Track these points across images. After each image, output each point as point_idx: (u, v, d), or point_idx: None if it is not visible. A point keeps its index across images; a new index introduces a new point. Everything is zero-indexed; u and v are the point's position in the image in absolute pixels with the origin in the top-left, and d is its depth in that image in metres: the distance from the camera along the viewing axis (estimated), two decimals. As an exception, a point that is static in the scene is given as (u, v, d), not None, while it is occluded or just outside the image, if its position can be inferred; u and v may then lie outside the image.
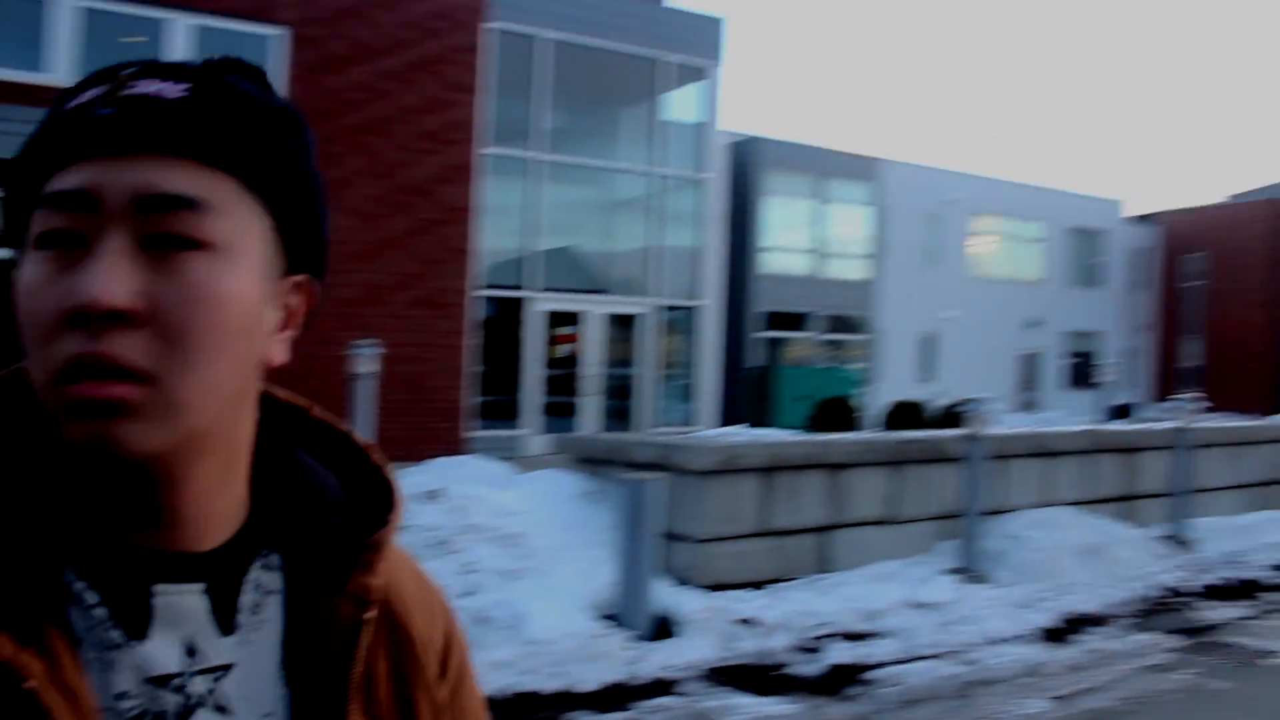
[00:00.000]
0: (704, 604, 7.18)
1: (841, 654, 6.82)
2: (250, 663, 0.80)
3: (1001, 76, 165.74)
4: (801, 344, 29.52)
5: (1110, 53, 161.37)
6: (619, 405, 19.84)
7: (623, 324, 19.94)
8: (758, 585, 7.97)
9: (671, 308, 20.44)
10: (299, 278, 0.82)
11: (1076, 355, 37.43)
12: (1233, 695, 6.60)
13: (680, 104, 20.88)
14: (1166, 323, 39.80)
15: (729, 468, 8.26)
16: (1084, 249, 38.24)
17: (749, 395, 24.12)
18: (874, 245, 30.99)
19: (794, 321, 29.30)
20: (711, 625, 6.88)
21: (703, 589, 7.63)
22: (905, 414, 21.51)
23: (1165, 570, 9.71)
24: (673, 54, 20.65)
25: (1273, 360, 36.96)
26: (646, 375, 19.92)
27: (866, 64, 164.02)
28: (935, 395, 27.37)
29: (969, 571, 8.61)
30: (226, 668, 0.79)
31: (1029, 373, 35.91)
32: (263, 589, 0.83)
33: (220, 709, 0.78)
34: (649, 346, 19.92)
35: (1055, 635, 7.78)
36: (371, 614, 0.84)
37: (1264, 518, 12.15)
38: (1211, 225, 39.27)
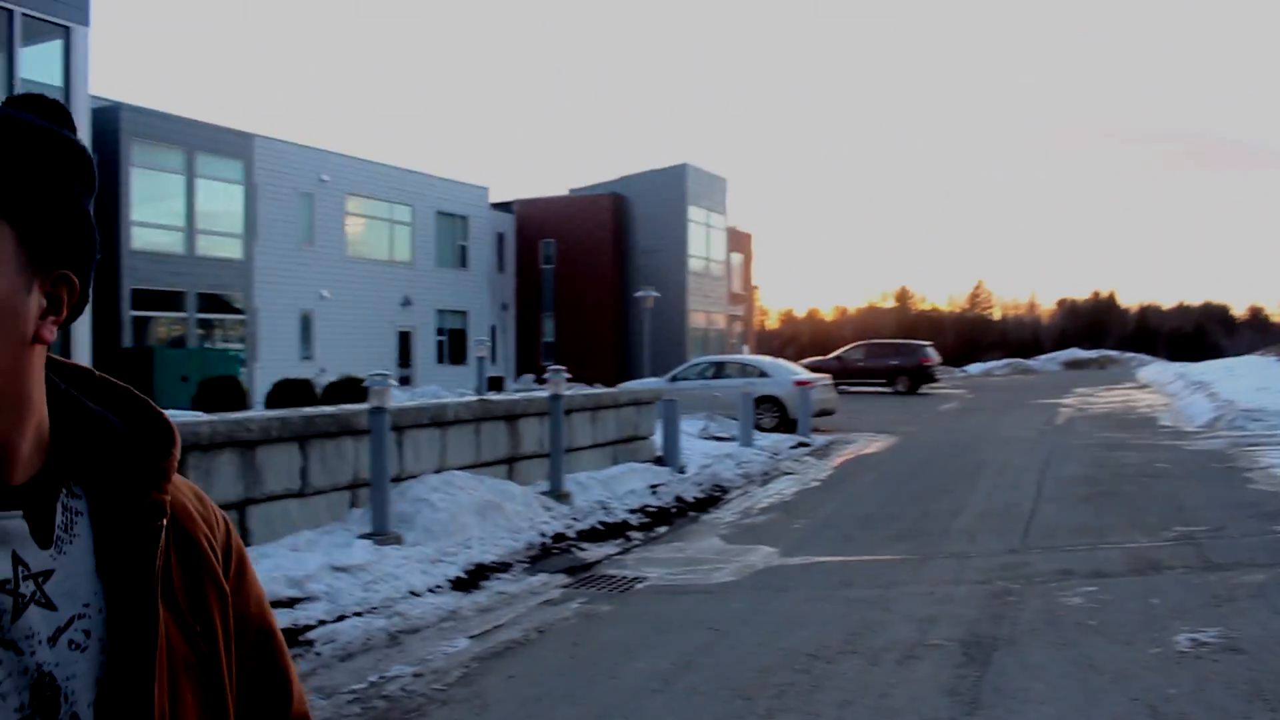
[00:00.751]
0: (127, 588, 7.01)
1: (276, 620, 7.01)
2: (66, 567, 1.04)
3: (375, 60, 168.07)
4: (176, 323, 28.35)
5: (457, 44, 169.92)
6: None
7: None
8: (179, 565, 7.88)
9: (33, 286, 18.72)
10: (59, 273, 1.03)
11: (446, 332, 39.58)
12: (615, 614, 7.73)
13: (39, 62, 19.12)
14: (526, 302, 43.29)
15: (139, 450, 8.03)
16: (452, 232, 40.44)
17: (127, 377, 22.65)
18: (248, 223, 30.44)
19: (167, 300, 28.04)
20: (138, 608, 6.74)
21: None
22: (292, 391, 21.55)
23: (550, 520, 10.92)
24: (28, 6, 18.85)
25: (616, 335, 41.66)
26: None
27: (236, 33, 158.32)
28: (317, 373, 27.65)
29: (382, 534, 9.11)
30: (49, 573, 1.03)
31: (405, 349, 37.36)
32: (71, 510, 1.07)
33: (46, 604, 1.02)
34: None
35: (465, 584, 8.53)
36: (164, 522, 1.10)
37: (621, 469, 13.99)
38: (560, 214, 43.28)
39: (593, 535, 10.88)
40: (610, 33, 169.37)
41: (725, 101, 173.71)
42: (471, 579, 8.69)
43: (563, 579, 8.98)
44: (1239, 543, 9.57)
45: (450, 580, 8.53)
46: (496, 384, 32.73)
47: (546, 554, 9.88)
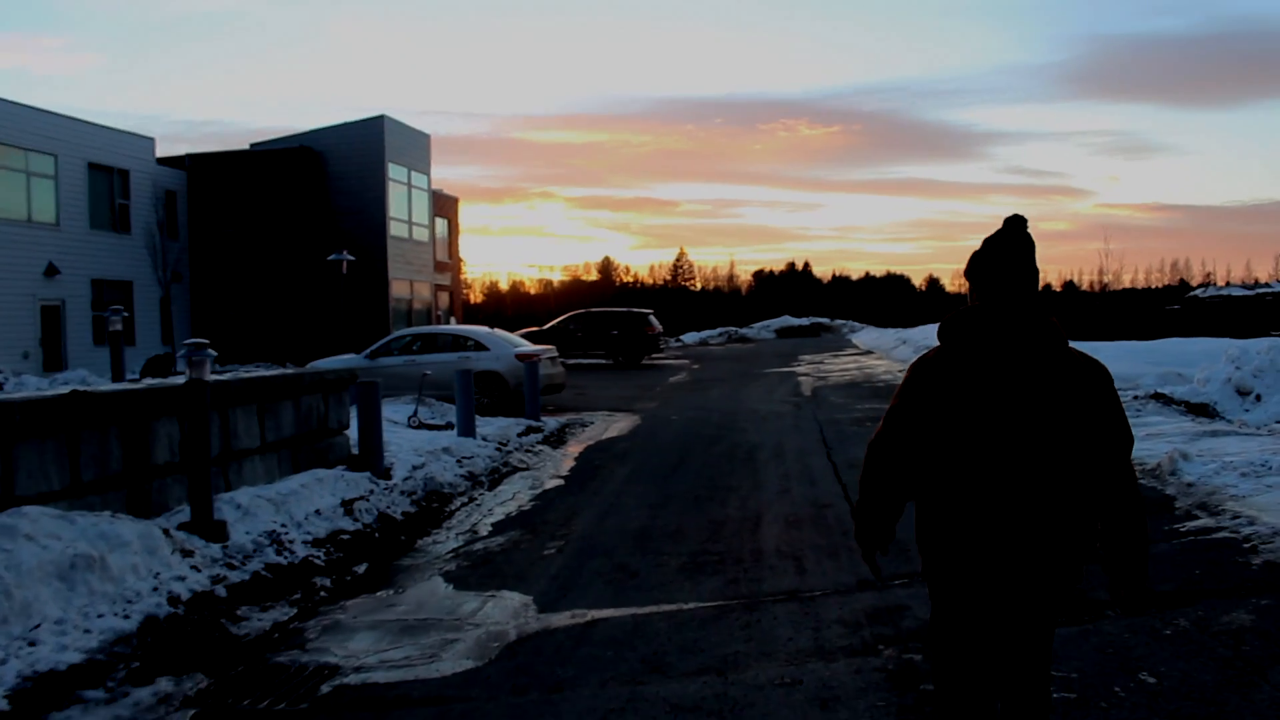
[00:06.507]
0: None
1: None
2: None
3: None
4: None
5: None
6: None
7: None
8: None
9: None
10: None
11: (107, 308, 33.84)
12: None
13: None
14: (203, 271, 37.91)
15: None
16: (108, 188, 34.62)
17: None
18: None
19: None
20: None
21: None
22: None
23: (189, 572, 7.22)
24: None
25: (310, 307, 36.96)
26: None
27: None
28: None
29: None
30: None
31: (53, 328, 31.46)
32: None
33: None
34: None
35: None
36: None
37: (302, 480, 10.24)
38: (242, 170, 38.13)
39: (257, 590, 7.30)
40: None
41: (424, 62, 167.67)
42: (24, 711, 5.02)
43: (197, 683, 5.46)
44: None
45: (-18, 718, 4.84)
46: (164, 365, 27.69)
47: (176, 635, 6.22)
